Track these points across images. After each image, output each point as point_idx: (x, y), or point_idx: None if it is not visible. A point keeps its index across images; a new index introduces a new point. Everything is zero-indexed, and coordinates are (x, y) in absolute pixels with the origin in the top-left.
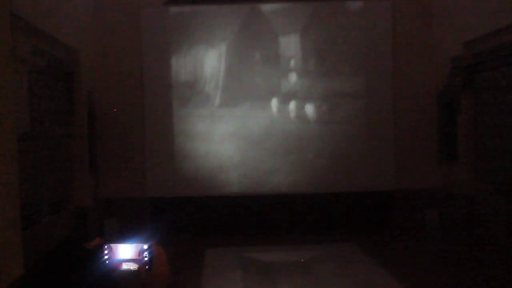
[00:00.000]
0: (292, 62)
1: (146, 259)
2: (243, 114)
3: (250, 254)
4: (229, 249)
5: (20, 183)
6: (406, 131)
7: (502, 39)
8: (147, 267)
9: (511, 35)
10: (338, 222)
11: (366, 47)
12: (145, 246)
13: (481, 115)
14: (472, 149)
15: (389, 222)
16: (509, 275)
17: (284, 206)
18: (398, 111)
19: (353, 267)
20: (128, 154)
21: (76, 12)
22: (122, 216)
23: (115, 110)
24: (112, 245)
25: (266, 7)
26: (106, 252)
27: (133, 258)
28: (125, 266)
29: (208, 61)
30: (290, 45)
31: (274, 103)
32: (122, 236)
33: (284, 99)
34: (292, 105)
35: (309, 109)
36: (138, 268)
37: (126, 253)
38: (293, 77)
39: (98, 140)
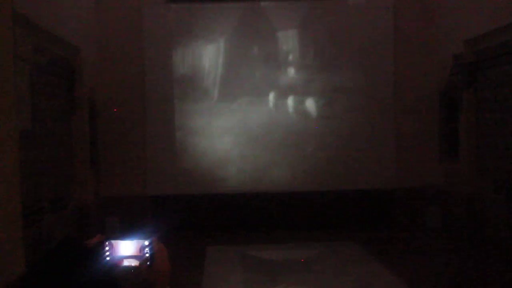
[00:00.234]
0: (291, 57)
1: (147, 255)
2: (241, 108)
3: (251, 252)
4: (230, 247)
5: (21, 181)
6: (407, 129)
7: (504, 37)
8: (148, 263)
9: None
10: (338, 220)
11: (367, 43)
12: (146, 243)
13: (483, 113)
14: (474, 147)
15: (390, 220)
16: (510, 274)
17: (285, 205)
18: (399, 108)
19: (354, 265)
20: (129, 152)
21: (77, 9)
22: (123, 214)
23: (115, 110)
24: (113, 241)
25: (265, 3)
26: (107, 249)
27: (134, 254)
28: (126, 263)
29: (207, 56)
30: (289, 40)
31: (273, 98)
32: (123, 233)
33: (283, 94)
34: (290, 100)
35: (308, 104)
36: (139, 264)
37: (127, 249)
38: (291, 72)
39: (99, 138)
